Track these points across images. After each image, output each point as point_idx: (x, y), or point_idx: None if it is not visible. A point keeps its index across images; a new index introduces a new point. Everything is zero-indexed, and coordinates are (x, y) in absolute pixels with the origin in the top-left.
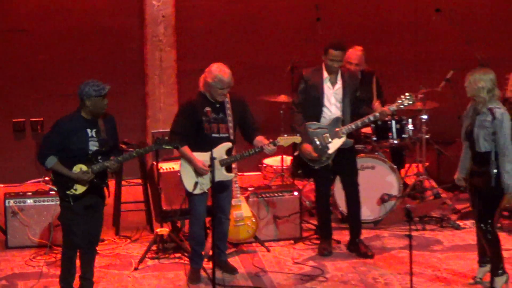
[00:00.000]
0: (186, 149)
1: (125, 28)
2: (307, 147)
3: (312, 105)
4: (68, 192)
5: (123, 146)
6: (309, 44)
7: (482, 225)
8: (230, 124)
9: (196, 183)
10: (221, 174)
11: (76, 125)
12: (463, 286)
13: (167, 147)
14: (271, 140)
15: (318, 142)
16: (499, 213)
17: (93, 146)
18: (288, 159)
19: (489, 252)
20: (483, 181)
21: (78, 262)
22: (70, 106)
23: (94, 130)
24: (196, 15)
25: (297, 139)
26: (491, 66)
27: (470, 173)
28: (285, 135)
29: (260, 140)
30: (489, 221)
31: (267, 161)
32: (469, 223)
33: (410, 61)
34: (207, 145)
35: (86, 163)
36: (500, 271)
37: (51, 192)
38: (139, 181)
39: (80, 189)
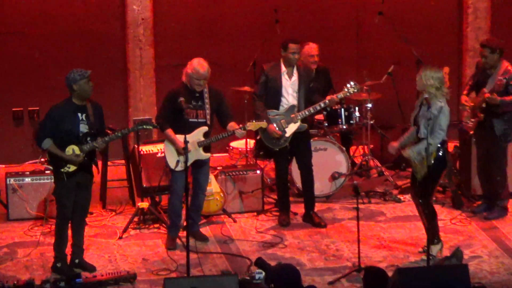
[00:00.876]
0: (169, 131)
1: (110, 29)
2: (272, 127)
3: (272, 95)
4: (62, 170)
5: (109, 131)
6: (269, 42)
7: (421, 200)
8: (208, 111)
9: (177, 161)
10: (199, 154)
11: (67, 110)
12: (404, 252)
13: (147, 127)
14: (241, 125)
15: (276, 128)
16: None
17: (83, 128)
18: (251, 142)
19: (427, 224)
20: None
21: (70, 232)
22: (62, 97)
23: (84, 114)
24: (171, 18)
25: (264, 124)
26: (425, 62)
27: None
28: (254, 121)
29: (232, 125)
30: (428, 197)
31: (234, 144)
32: (408, 197)
33: (354, 58)
34: (187, 128)
35: (77, 144)
36: (436, 240)
37: (46, 172)
38: (123, 161)
39: (72, 167)
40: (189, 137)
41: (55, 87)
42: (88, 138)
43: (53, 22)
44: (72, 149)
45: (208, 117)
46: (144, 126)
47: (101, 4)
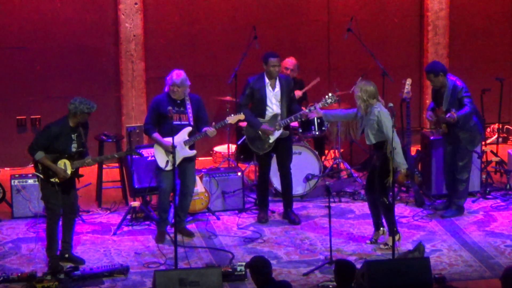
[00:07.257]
0: (156, 135)
1: (104, 45)
2: (265, 127)
3: (257, 105)
4: (51, 180)
5: (104, 137)
6: (249, 56)
7: (379, 197)
8: (190, 115)
9: (167, 161)
10: (185, 151)
11: (62, 130)
12: (371, 246)
13: (134, 154)
14: (213, 124)
15: (261, 134)
16: (398, 188)
17: (73, 148)
18: (233, 147)
19: (385, 218)
20: (377, 164)
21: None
22: (61, 106)
23: (76, 134)
24: (160, 35)
25: (242, 116)
26: (390, 73)
27: (371, 158)
28: (232, 115)
29: (206, 129)
30: (385, 193)
31: (217, 148)
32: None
33: (325, 70)
34: (173, 131)
35: (68, 159)
36: (394, 230)
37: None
38: (117, 164)
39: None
40: (176, 138)
41: (55, 97)
42: (78, 156)
43: (53, 38)
44: (64, 163)
45: (191, 119)
46: (132, 153)
47: (96, 22)
